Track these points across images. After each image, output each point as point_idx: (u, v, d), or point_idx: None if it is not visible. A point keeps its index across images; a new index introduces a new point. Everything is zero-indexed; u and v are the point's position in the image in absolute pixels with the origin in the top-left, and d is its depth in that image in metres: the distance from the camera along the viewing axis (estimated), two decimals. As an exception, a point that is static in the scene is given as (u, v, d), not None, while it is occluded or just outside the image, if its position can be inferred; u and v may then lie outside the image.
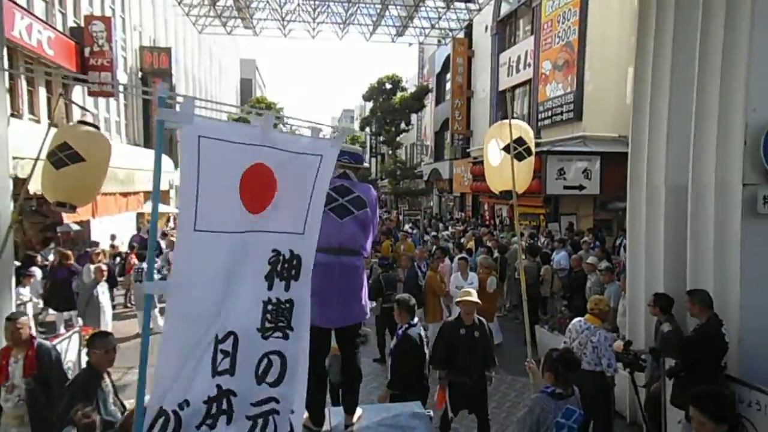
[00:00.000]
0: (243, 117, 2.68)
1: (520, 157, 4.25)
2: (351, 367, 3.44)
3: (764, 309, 4.69)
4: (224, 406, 1.77)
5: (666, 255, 5.60)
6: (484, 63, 24.40)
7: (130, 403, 4.88)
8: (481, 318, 5.47)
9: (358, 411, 3.48)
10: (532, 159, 4.38)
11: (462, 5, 21.75)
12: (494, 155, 4.48)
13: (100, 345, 3.55)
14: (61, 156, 3.67)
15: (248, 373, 1.81)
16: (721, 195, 4.92)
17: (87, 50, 15.95)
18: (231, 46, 47.57)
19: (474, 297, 5.47)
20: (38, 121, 13.81)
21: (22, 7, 12.66)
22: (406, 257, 10.05)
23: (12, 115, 12.65)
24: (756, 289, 4.73)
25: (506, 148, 4.21)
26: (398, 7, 21.72)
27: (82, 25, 16.18)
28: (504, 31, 22.95)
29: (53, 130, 4.15)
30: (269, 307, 1.84)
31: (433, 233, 20.06)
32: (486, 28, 24.12)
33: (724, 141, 4.89)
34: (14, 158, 9.99)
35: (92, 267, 8.01)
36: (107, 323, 8.16)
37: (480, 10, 21.64)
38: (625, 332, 6.43)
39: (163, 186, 21.49)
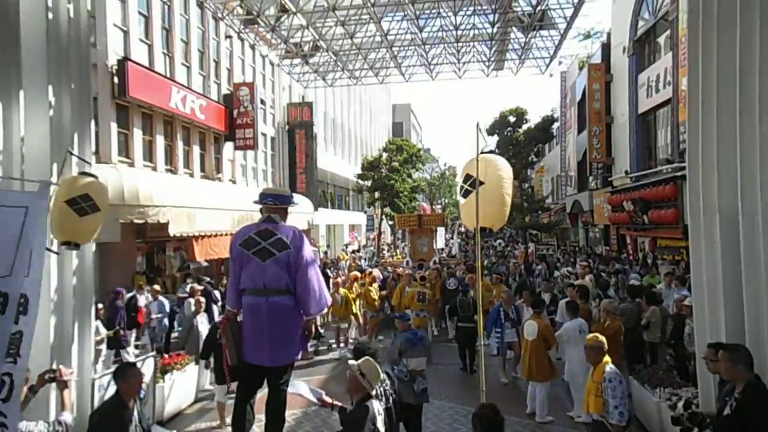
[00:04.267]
0: None
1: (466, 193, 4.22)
2: (276, 401, 3.65)
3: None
4: None
5: (725, 293, 4.74)
6: (623, 86, 22.66)
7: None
8: None
9: None
10: (501, 194, 4.20)
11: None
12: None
13: (130, 375, 3.69)
14: (84, 206, 4.25)
15: None
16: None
17: (235, 112, 18.64)
18: (382, 93, 50.94)
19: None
20: (191, 175, 16.38)
21: (178, 83, 15.38)
22: (507, 294, 9.87)
23: (169, 170, 15.25)
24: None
25: (471, 184, 4.17)
26: (544, 39, 21.50)
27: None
28: (642, 50, 21.19)
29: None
30: None
31: (565, 269, 18.75)
32: (624, 49, 22.48)
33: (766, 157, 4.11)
34: (161, 206, 12.07)
35: (192, 300, 9.18)
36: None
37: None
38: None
39: (303, 225, 23.59)
